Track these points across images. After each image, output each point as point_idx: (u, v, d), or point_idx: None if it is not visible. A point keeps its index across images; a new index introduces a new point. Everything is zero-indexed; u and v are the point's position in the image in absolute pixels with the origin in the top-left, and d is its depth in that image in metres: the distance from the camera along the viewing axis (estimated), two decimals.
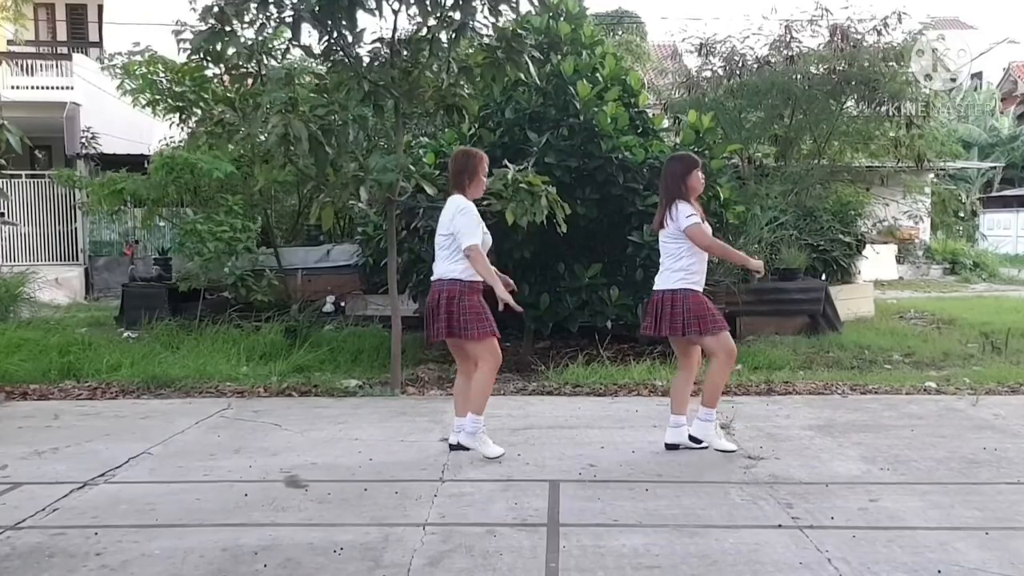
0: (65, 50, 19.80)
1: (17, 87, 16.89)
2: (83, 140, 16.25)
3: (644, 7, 31.76)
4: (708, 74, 12.44)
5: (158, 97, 9.13)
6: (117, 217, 14.23)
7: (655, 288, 4.69)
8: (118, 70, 9.45)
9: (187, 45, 6.03)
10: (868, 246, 12.57)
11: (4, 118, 6.18)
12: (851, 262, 11.60)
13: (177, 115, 9.07)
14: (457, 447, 4.71)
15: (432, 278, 4.69)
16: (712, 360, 4.67)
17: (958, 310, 11.57)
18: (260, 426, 5.44)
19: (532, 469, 4.46)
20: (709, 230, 4.72)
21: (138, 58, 9.22)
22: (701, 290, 4.64)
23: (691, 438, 4.73)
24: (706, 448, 4.72)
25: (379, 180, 6.30)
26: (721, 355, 4.61)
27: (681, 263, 4.58)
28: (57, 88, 16.95)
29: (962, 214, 23.06)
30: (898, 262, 17.94)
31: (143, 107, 9.35)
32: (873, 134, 12.18)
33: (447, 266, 4.58)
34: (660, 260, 4.74)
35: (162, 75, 9.12)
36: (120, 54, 9.71)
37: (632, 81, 8.15)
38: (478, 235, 4.50)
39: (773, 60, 11.73)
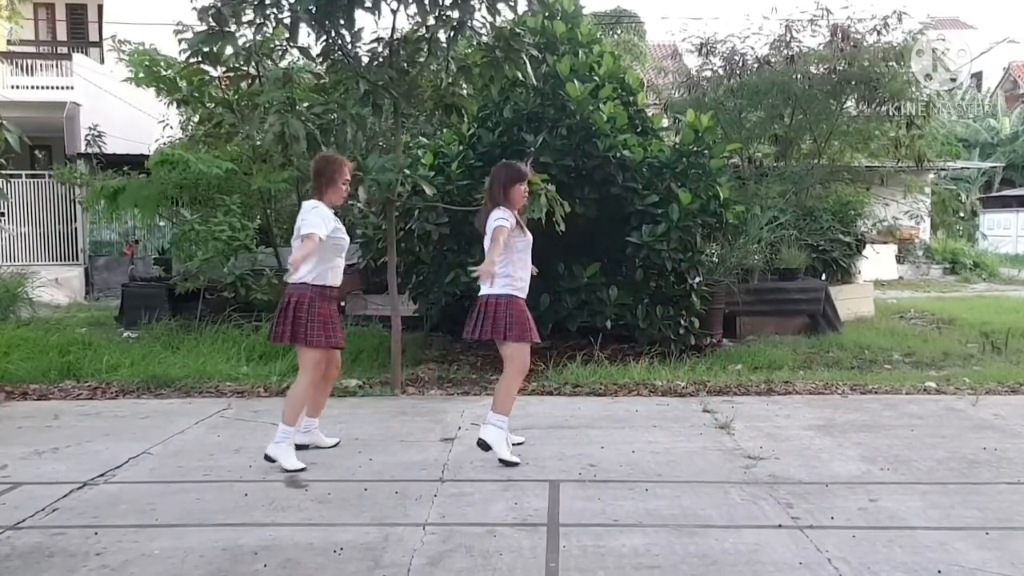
0: (65, 50, 19.77)
1: (17, 87, 16.89)
2: (88, 138, 16.22)
3: (644, 7, 31.72)
4: (708, 74, 12.44)
5: (163, 86, 9.19)
6: (117, 217, 14.21)
7: (480, 293, 4.68)
8: (123, 55, 9.51)
9: (187, 46, 6.03)
10: (868, 246, 12.59)
11: (4, 118, 6.17)
12: (851, 262, 11.62)
13: (178, 107, 9.11)
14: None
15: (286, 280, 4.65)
16: (508, 368, 4.66)
17: (958, 310, 11.57)
18: (260, 426, 5.44)
19: (532, 469, 4.46)
20: (530, 239, 4.72)
21: (141, 47, 9.31)
22: (524, 296, 4.68)
23: (479, 442, 4.61)
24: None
25: (377, 180, 6.30)
26: (518, 363, 4.64)
27: (506, 269, 4.59)
28: (57, 88, 16.93)
29: (962, 214, 23.09)
30: (898, 262, 17.96)
31: (158, 95, 9.42)
32: (873, 134, 12.17)
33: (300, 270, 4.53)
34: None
35: (163, 67, 9.20)
36: (128, 42, 9.77)
37: (630, 79, 8.14)
38: (321, 227, 4.44)
39: (773, 60, 11.73)
